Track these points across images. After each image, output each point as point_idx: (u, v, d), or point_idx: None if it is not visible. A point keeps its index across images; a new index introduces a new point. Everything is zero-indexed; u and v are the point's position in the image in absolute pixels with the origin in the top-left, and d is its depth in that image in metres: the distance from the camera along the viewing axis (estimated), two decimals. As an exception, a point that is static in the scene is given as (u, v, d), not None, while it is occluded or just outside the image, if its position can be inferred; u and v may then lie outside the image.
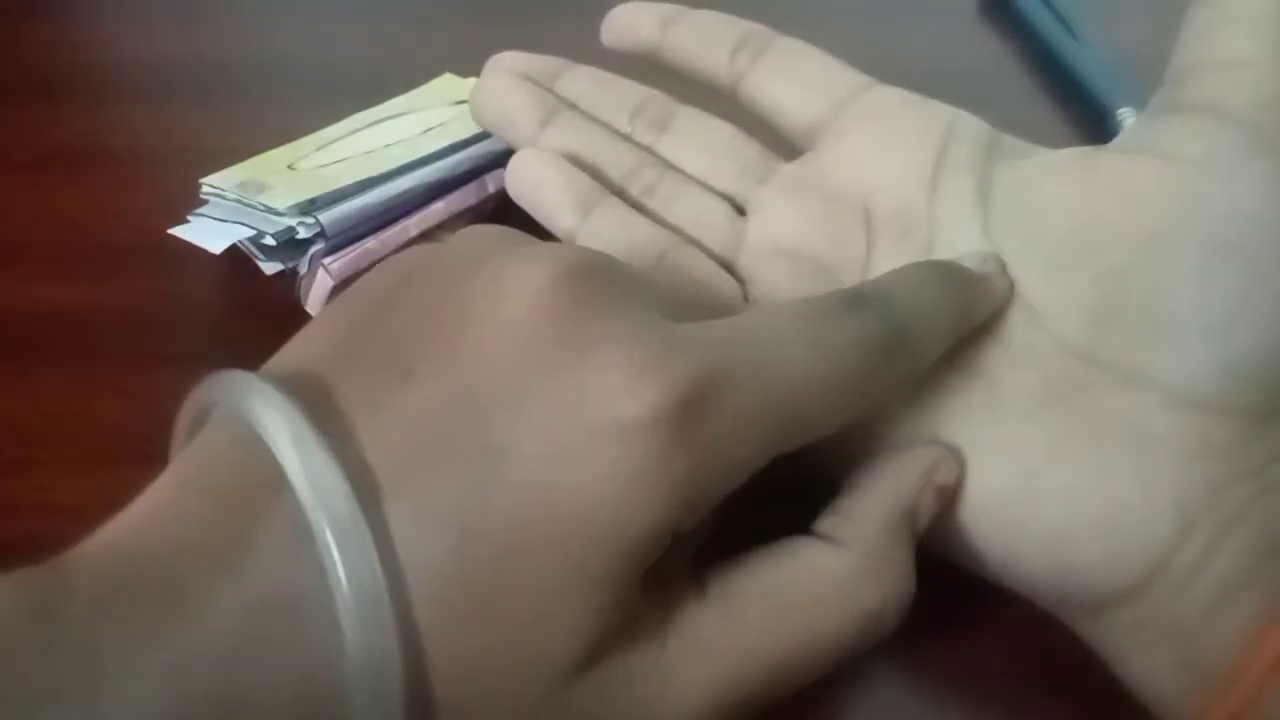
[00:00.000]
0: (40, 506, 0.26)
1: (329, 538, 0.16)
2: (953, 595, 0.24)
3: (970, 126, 0.25)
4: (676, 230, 0.27)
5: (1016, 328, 0.23)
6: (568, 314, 0.18)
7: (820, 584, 0.20)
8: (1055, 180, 0.23)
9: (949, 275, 0.22)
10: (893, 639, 0.24)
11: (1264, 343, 0.21)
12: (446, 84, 0.37)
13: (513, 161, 0.28)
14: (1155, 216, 0.22)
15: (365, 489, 0.17)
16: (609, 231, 0.27)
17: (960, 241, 0.24)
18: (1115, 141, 0.24)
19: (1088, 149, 0.24)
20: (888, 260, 0.24)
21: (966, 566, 0.22)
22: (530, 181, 0.28)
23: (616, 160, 0.28)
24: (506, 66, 0.30)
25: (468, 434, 0.17)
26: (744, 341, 0.19)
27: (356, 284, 0.21)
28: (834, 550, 0.20)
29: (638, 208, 0.28)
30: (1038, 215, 0.23)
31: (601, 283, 0.19)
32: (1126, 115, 0.35)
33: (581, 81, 0.30)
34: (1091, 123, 0.36)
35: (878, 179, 0.25)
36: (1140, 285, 0.21)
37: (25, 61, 0.41)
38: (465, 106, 0.35)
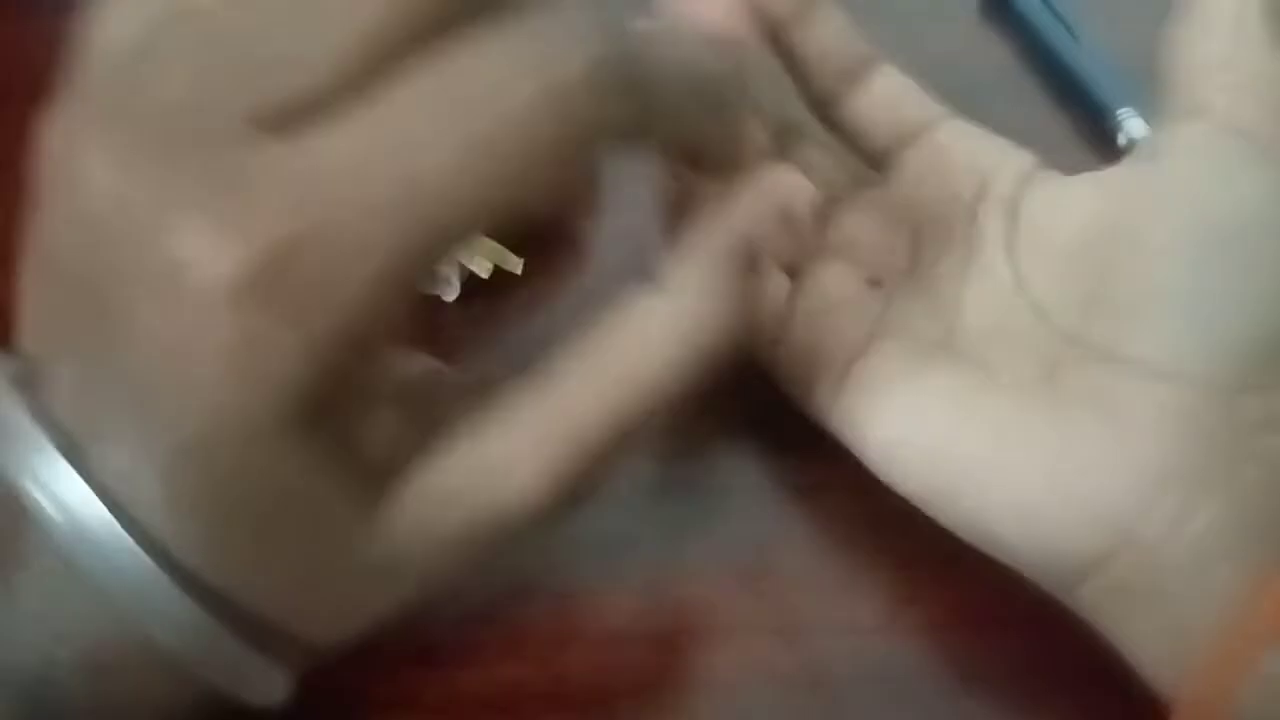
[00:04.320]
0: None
1: (33, 491, 0.17)
2: (955, 596, 0.24)
3: (1014, 159, 0.26)
4: None
5: (1020, 322, 0.24)
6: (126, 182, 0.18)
7: (647, 336, 0.20)
8: (1068, 197, 0.25)
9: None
10: (894, 640, 0.24)
11: (1240, 320, 0.21)
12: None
13: None
14: (1143, 211, 0.23)
15: (63, 444, 0.18)
16: None
17: (988, 260, 0.25)
18: (1126, 158, 0.25)
19: (1102, 170, 0.25)
20: (926, 276, 0.26)
21: (953, 530, 0.23)
22: None
23: None
24: None
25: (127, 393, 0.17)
26: (359, 157, 0.16)
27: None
28: (660, 297, 0.20)
29: None
30: (1049, 227, 0.24)
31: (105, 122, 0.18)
32: (1126, 115, 0.35)
33: None
34: (1091, 123, 0.36)
35: (925, 205, 0.27)
36: (1125, 271, 0.22)
37: (25, 61, 0.41)
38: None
